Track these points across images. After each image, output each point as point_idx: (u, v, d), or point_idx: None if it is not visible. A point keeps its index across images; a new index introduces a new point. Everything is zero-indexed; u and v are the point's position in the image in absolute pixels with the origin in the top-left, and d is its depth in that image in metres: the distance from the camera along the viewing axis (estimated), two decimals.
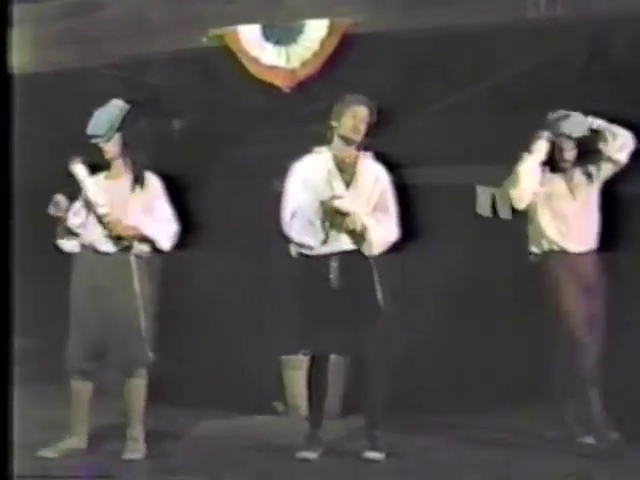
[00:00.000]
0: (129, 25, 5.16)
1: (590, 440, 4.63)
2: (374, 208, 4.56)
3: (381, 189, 4.60)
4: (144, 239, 4.55)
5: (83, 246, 4.58)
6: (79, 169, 4.52)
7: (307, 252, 4.50)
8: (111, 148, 4.58)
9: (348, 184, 4.56)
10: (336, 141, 4.60)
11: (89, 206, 4.52)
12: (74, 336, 4.53)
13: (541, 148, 4.68)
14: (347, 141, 4.56)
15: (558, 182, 4.75)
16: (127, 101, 4.62)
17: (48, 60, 5.34)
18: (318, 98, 4.90)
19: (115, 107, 4.57)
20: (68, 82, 5.52)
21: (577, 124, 4.65)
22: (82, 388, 4.56)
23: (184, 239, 4.85)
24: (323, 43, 4.81)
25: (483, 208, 6.35)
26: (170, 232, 4.61)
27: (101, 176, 4.65)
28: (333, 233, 4.46)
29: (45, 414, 5.07)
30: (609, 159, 4.65)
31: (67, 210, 4.54)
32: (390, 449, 4.49)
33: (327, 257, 4.46)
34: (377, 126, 4.65)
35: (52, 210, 4.51)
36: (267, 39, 4.91)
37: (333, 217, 4.44)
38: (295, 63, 4.86)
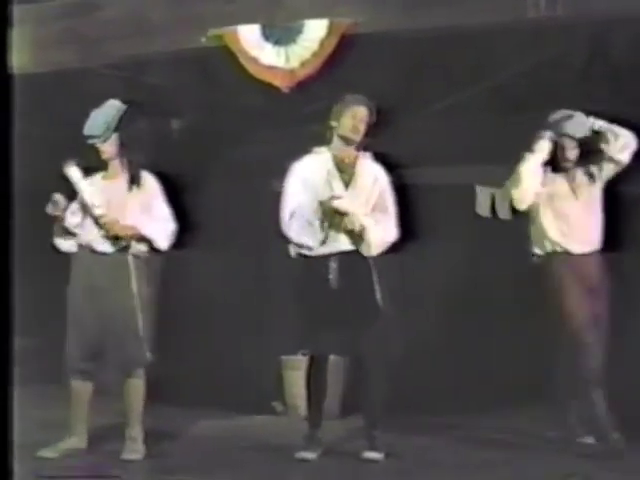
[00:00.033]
0: (129, 25, 5.16)
1: (590, 440, 4.63)
2: (373, 208, 4.56)
3: (380, 189, 4.60)
4: (142, 239, 4.55)
5: (80, 246, 4.58)
6: (73, 171, 4.52)
7: (306, 252, 4.50)
8: (108, 148, 4.58)
9: (347, 184, 4.56)
10: (335, 141, 4.60)
11: (85, 208, 4.52)
12: (72, 336, 4.53)
13: (543, 148, 4.66)
14: (346, 141, 4.56)
15: (560, 182, 4.73)
16: (126, 101, 4.62)
17: (48, 60, 5.34)
18: (317, 98, 4.91)
19: (111, 107, 4.58)
20: (68, 82, 5.52)
21: (579, 124, 4.64)
22: (82, 388, 4.56)
23: (183, 239, 4.85)
24: (322, 43, 4.81)
25: (482, 208, 6.34)
26: (168, 231, 4.61)
27: (98, 176, 4.65)
28: (332, 233, 4.46)
29: (45, 414, 5.07)
30: (611, 159, 4.64)
31: (65, 209, 4.54)
32: (389, 449, 4.49)
33: (326, 257, 4.46)
34: (377, 126, 4.65)
35: (50, 209, 4.51)
36: (266, 39, 4.91)
37: (332, 217, 4.43)
38: (294, 63, 4.86)
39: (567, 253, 4.65)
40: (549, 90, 5.38)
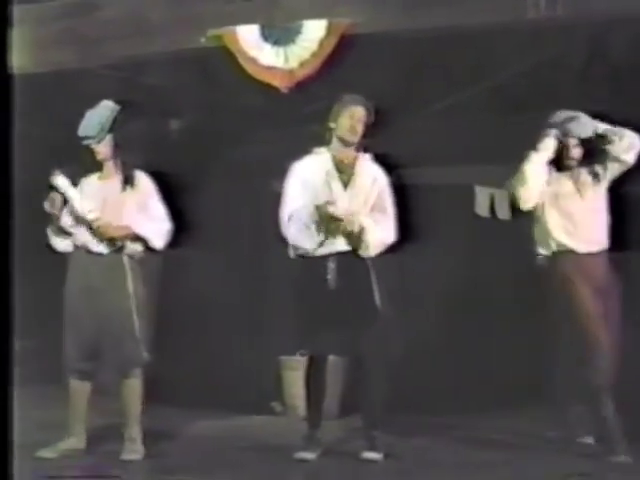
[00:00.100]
0: (128, 25, 5.16)
1: (590, 440, 4.62)
2: (372, 209, 4.56)
3: (379, 190, 4.60)
4: (136, 238, 4.56)
5: (76, 246, 4.59)
6: (61, 181, 4.51)
7: (304, 253, 4.51)
8: (102, 149, 4.59)
9: (346, 185, 4.56)
10: (335, 142, 4.60)
11: (78, 219, 4.52)
12: (69, 336, 4.54)
13: (548, 146, 4.63)
14: (345, 142, 4.56)
15: (564, 181, 4.69)
16: (124, 101, 4.63)
17: (48, 60, 5.35)
18: (317, 98, 4.91)
19: (105, 108, 4.58)
20: (68, 82, 5.53)
21: (584, 125, 4.61)
22: (80, 388, 4.56)
23: (183, 239, 4.85)
24: (321, 43, 4.81)
25: (481, 209, 6.33)
26: (163, 231, 4.61)
27: (94, 177, 4.66)
28: (330, 236, 4.48)
29: (44, 415, 5.07)
30: (616, 159, 4.60)
31: (62, 209, 4.54)
32: (389, 449, 4.49)
33: (324, 258, 4.46)
34: (377, 126, 4.65)
35: (47, 206, 4.51)
36: (266, 39, 4.91)
37: (328, 222, 4.44)
38: (293, 63, 4.86)
39: (573, 252, 4.60)
40: (549, 90, 5.38)
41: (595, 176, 4.67)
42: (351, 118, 4.53)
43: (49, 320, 4.71)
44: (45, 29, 5.34)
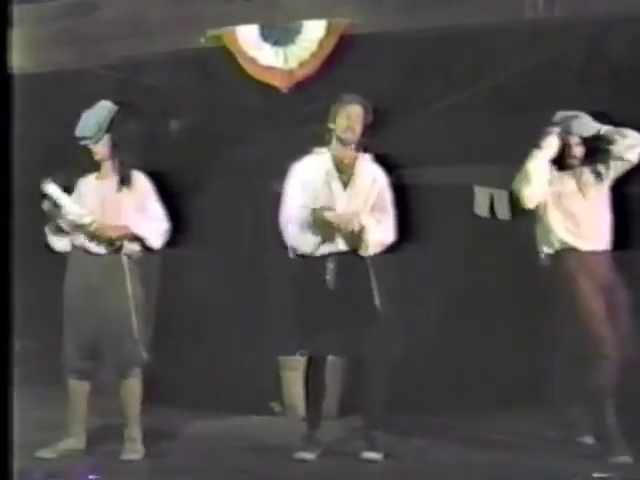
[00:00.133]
0: (128, 25, 5.16)
1: (590, 440, 4.62)
2: (372, 208, 4.56)
3: (379, 190, 4.59)
4: (134, 238, 4.56)
5: (75, 246, 4.59)
6: (52, 189, 4.50)
7: (307, 252, 4.51)
8: (100, 149, 4.59)
9: (346, 185, 4.56)
10: (334, 142, 4.60)
11: (72, 225, 4.51)
12: (68, 335, 4.54)
13: (551, 144, 4.62)
14: (343, 141, 4.57)
15: (567, 181, 4.68)
16: (123, 102, 4.63)
17: (48, 60, 5.35)
18: (316, 99, 4.91)
19: (103, 108, 4.58)
20: (68, 82, 5.52)
21: (586, 125, 4.61)
22: (79, 387, 4.57)
23: (182, 239, 4.85)
24: (321, 44, 4.81)
25: (481, 209, 6.34)
26: (160, 230, 4.61)
27: (92, 177, 4.66)
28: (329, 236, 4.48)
29: (44, 415, 5.07)
30: (619, 158, 4.59)
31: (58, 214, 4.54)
32: (388, 450, 4.49)
33: (324, 258, 4.47)
34: (377, 126, 4.65)
35: (46, 206, 4.51)
36: (265, 39, 4.91)
37: (322, 227, 4.44)
38: (293, 64, 4.86)
39: (576, 251, 4.58)
40: (549, 90, 5.38)
41: (598, 175, 4.66)
42: (348, 118, 4.53)
43: (49, 320, 4.70)
44: (45, 29, 5.34)
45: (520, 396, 5.42)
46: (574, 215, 4.63)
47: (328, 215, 4.42)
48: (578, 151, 4.69)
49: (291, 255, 4.57)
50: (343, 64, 4.82)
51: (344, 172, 4.58)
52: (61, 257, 4.66)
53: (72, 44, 5.30)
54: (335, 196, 4.53)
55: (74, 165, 4.69)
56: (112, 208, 4.55)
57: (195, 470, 4.32)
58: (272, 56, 4.89)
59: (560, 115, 4.66)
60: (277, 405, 5.92)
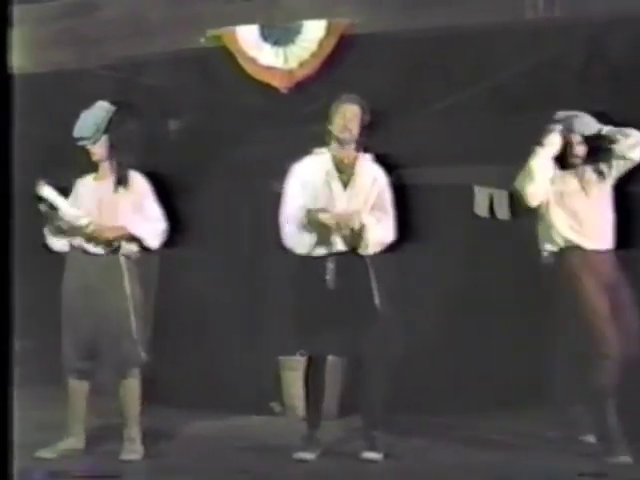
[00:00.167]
0: (128, 25, 5.16)
1: (591, 439, 4.61)
2: (372, 208, 4.56)
3: (379, 190, 4.59)
4: (132, 238, 4.55)
5: (73, 246, 4.58)
6: (48, 192, 4.49)
7: (303, 253, 4.51)
8: (98, 150, 4.59)
9: (346, 185, 4.56)
10: (333, 142, 4.61)
11: (69, 227, 4.51)
12: (66, 336, 4.54)
13: (554, 141, 4.61)
14: (340, 141, 4.57)
15: (570, 179, 4.67)
16: (121, 102, 4.63)
17: (48, 60, 5.35)
18: (316, 99, 4.91)
19: (101, 109, 4.58)
20: (68, 82, 5.52)
21: (588, 124, 4.61)
22: (78, 387, 4.57)
23: (182, 239, 4.85)
24: (321, 44, 4.81)
25: (481, 209, 6.34)
26: (158, 231, 4.60)
27: (89, 177, 4.66)
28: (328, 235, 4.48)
29: (44, 415, 5.07)
30: (621, 157, 4.58)
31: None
32: (388, 450, 4.49)
33: (323, 258, 4.47)
34: (377, 126, 4.65)
35: (42, 208, 4.51)
36: (265, 39, 4.91)
37: (318, 228, 4.44)
38: (293, 64, 4.86)
39: (580, 249, 4.57)
40: (549, 90, 5.38)
41: (600, 174, 4.65)
42: (344, 117, 4.53)
43: (49, 320, 4.70)
44: (45, 29, 5.34)
45: (520, 396, 5.42)
46: (577, 214, 4.62)
47: (323, 217, 4.43)
48: (580, 150, 4.68)
49: (291, 255, 4.57)
50: (343, 64, 4.82)
51: (344, 172, 4.58)
52: (61, 257, 4.66)
53: (72, 44, 5.30)
54: (335, 196, 4.53)
55: (74, 165, 4.69)
56: (109, 209, 4.55)
57: (194, 470, 4.32)
58: (272, 56, 4.89)
59: (562, 114, 4.66)
60: (277, 405, 5.93)
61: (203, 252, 6.22)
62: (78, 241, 4.54)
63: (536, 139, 4.65)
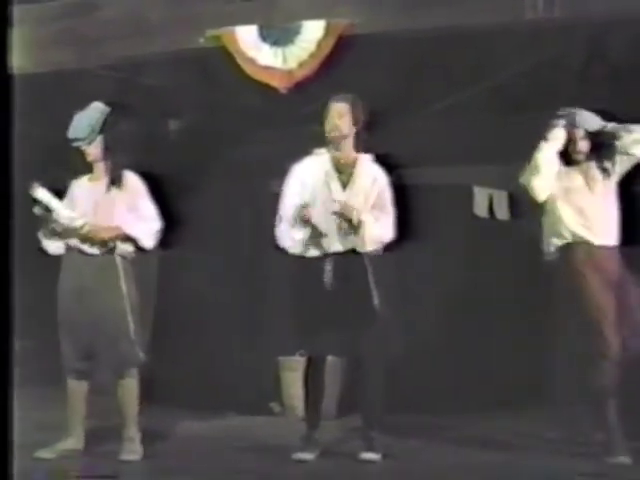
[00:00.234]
0: (128, 25, 5.16)
1: (591, 440, 4.60)
2: (372, 207, 4.56)
3: (379, 189, 4.60)
4: (127, 239, 4.55)
5: (69, 247, 4.58)
6: (42, 193, 4.49)
7: (301, 253, 4.51)
8: (93, 151, 4.59)
9: (345, 185, 4.57)
10: (330, 144, 4.61)
11: (65, 229, 4.51)
12: (64, 336, 4.54)
13: (558, 136, 4.61)
14: (331, 140, 4.57)
15: (575, 176, 4.67)
16: (120, 103, 4.63)
17: (48, 60, 5.35)
18: (315, 99, 4.90)
19: (95, 110, 4.58)
20: (68, 82, 5.52)
21: (591, 120, 4.61)
22: (77, 387, 4.57)
23: (182, 239, 4.85)
24: (320, 44, 4.81)
25: (480, 209, 6.34)
26: (153, 230, 4.60)
27: (85, 178, 4.67)
28: (330, 235, 4.47)
29: (43, 415, 5.07)
30: (624, 153, 4.59)
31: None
32: (387, 450, 4.48)
33: (321, 259, 4.47)
34: (377, 126, 4.65)
35: (37, 210, 4.50)
36: (264, 40, 4.91)
37: (302, 223, 4.44)
38: (292, 64, 4.86)
39: (587, 244, 4.55)
40: (549, 90, 5.38)
41: (604, 171, 4.64)
42: (332, 116, 4.54)
43: (49, 320, 4.71)
44: (45, 29, 5.34)
45: (520, 396, 5.43)
46: (583, 210, 4.61)
47: (307, 213, 4.40)
48: (583, 145, 4.67)
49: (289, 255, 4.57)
50: (342, 64, 4.81)
51: (343, 172, 4.58)
52: (61, 257, 4.66)
53: (72, 44, 5.30)
54: (334, 197, 4.52)
55: (74, 165, 4.69)
56: (104, 209, 4.55)
57: (194, 470, 4.31)
58: (271, 56, 4.89)
59: (565, 110, 4.66)
60: (276, 405, 5.93)
61: (203, 252, 6.22)
62: (74, 242, 4.54)
63: (536, 139, 4.65)
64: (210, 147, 6.28)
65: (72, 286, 4.53)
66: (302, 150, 4.66)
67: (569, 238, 4.60)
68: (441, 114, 5.95)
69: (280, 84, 4.90)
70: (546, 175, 4.60)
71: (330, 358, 4.72)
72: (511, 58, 5.33)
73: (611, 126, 4.60)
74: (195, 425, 5.43)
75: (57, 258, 4.65)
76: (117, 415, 4.59)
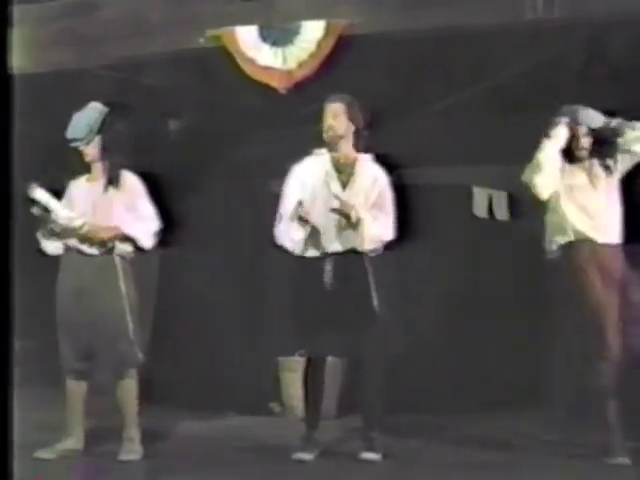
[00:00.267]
0: (128, 25, 5.16)
1: (590, 440, 4.61)
2: (372, 207, 4.56)
3: (379, 189, 4.60)
4: (126, 239, 4.55)
5: (67, 248, 4.58)
6: (40, 194, 4.48)
7: (301, 254, 4.51)
8: (91, 151, 4.59)
9: (345, 185, 4.57)
10: (327, 144, 4.61)
11: (63, 229, 4.50)
12: (62, 336, 4.54)
13: (560, 133, 4.60)
14: (327, 141, 4.57)
15: (578, 173, 4.66)
16: (117, 102, 4.63)
17: (48, 60, 5.35)
18: (315, 99, 4.90)
19: (93, 110, 4.58)
20: (68, 82, 5.52)
21: (594, 116, 4.61)
22: (76, 387, 4.57)
23: (182, 239, 4.85)
24: (320, 44, 4.81)
25: (479, 209, 6.35)
26: (151, 230, 4.60)
27: (83, 179, 4.67)
28: (329, 234, 4.48)
29: (43, 416, 5.07)
30: (626, 151, 4.58)
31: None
32: (387, 450, 4.48)
33: (321, 259, 4.48)
34: (377, 126, 4.65)
35: (36, 211, 4.50)
36: (264, 40, 4.91)
37: (299, 222, 4.44)
38: (292, 64, 4.86)
39: (591, 241, 4.54)
40: (549, 90, 5.37)
41: (607, 168, 4.64)
42: (327, 117, 4.55)
43: (49, 320, 4.71)
44: (45, 29, 5.34)
45: (520, 396, 5.42)
46: (586, 208, 4.60)
47: (302, 212, 4.40)
48: (586, 142, 4.66)
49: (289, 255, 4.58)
50: (342, 65, 4.81)
51: (343, 172, 4.59)
52: (59, 257, 4.66)
53: (72, 44, 5.30)
54: (333, 193, 4.53)
55: (72, 166, 4.69)
56: (102, 209, 4.54)
57: (194, 470, 4.31)
58: (271, 57, 4.89)
59: (568, 108, 4.65)
60: (276, 405, 5.93)
61: (203, 252, 6.22)
62: (73, 242, 4.54)
63: (536, 139, 4.64)
64: (210, 147, 6.28)
65: (71, 286, 4.53)
66: (302, 150, 4.66)
67: (572, 236, 4.58)
68: (441, 114, 5.95)
69: (280, 84, 4.90)
70: (548, 173, 4.59)
71: (330, 358, 4.72)
72: (511, 58, 5.33)
73: (615, 122, 4.58)
74: (195, 425, 5.43)
75: (58, 258, 4.65)
76: (117, 415, 4.59)
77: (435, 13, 4.69)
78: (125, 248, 4.57)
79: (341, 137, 4.56)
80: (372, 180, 4.60)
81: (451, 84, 5.69)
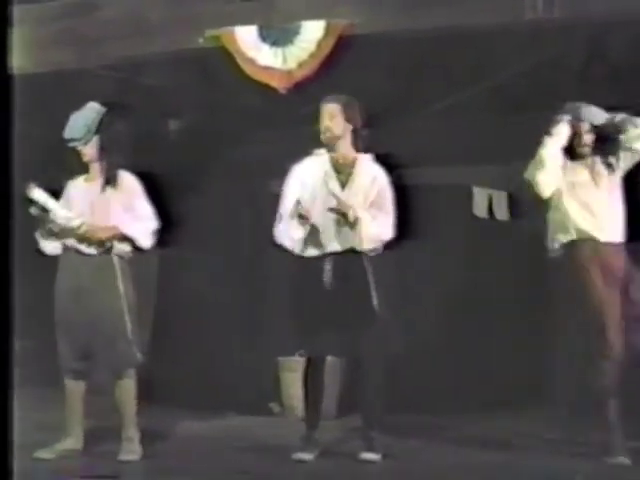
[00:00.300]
0: (128, 25, 5.17)
1: (591, 440, 4.60)
2: (371, 206, 4.56)
3: (378, 188, 4.59)
4: (124, 238, 4.55)
5: (66, 247, 4.58)
6: (38, 194, 4.48)
7: (300, 253, 4.51)
8: (89, 151, 4.59)
9: (344, 185, 4.57)
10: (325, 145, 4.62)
11: (62, 229, 4.50)
12: (61, 336, 4.54)
13: (561, 131, 4.59)
14: (326, 142, 4.57)
15: (580, 170, 4.64)
16: (116, 102, 4.64)
17: (48, 60, 5.35)
18: (315, 99, 4.90)
19: (91, 110, 4.58)
20: (68, 82, 5.52)
21: (596, 113, 4.60)
22: (75, 387, 4.57)
23: (181, 239, 4.85)
24: (319, 44, 4.81)
25: (479, 209, 6.35)
26: (149, 230, 4.60)
27: (80, 179, 4.67)
28: (328, 234, 4.48)
29: (43, 416, 5.08)
30: (628, 149, 4.57)
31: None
32: (387, 450, 4.48)
33: (321, 259, 4.48)
34: (377, 126, 4.65)
35: (34, 211, 4.50)
36: (264, 40, 4.91)
37: (301, 221, 4.44)
38: (291, 64, 4.86)
39: (593, 240, 4.53)
40: (549, 90, 5.37)
41: (609, 166, 4.63)
42: (323, 117, 4.55)
43: (49, 321, 4.71)
44: (45, 29, 5.34)
45: (520, 396, 5.42)
46: (588, 205, 4.58)
47: (300, 210, 4.40)
48: (588, 139, 4.64)
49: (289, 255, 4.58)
50: (342, 65, 4.82)
51: (342, 172, 4.58)
52: (58, 257, 4.66)
53: (72, 44, 5.30)
54: (331, 191, 4.53)
55: (70, 166, 4.70)
56: (101, 209, 4.54)
57: (193, 470, 4.31)
58: (271, 57, 4.89)
59: (570, 105, 4.64)
60: (276, 405, 5.93)
61: (203, 252, 6.23)
62: (71, 242, 4.54)
63: (536, 139, 4.64)
64: (210, 147, 6.29)
65: (69, 286, 4.53)
66: (302, 150, 4.66)
67: (574, 235, 4.57)
68: (441, 114, 5.95)
69: (280, 84, 4.90)
70: (551, 170, 4.58)
71: (330, 358, 4.72)
72: (511, 58, 5.33)
73: (619, 117, 4.57)
74: (195, 425, 5.43)
75: (56, 258, 4.64)
76: (116, 415, 4.59)
77: (435, 13, 4.69)
78: (123, 248, 4.57)
79: (338, 138, 4.57)
80: (371, 180, 4.60)
81: (451, 84, 5.69)
